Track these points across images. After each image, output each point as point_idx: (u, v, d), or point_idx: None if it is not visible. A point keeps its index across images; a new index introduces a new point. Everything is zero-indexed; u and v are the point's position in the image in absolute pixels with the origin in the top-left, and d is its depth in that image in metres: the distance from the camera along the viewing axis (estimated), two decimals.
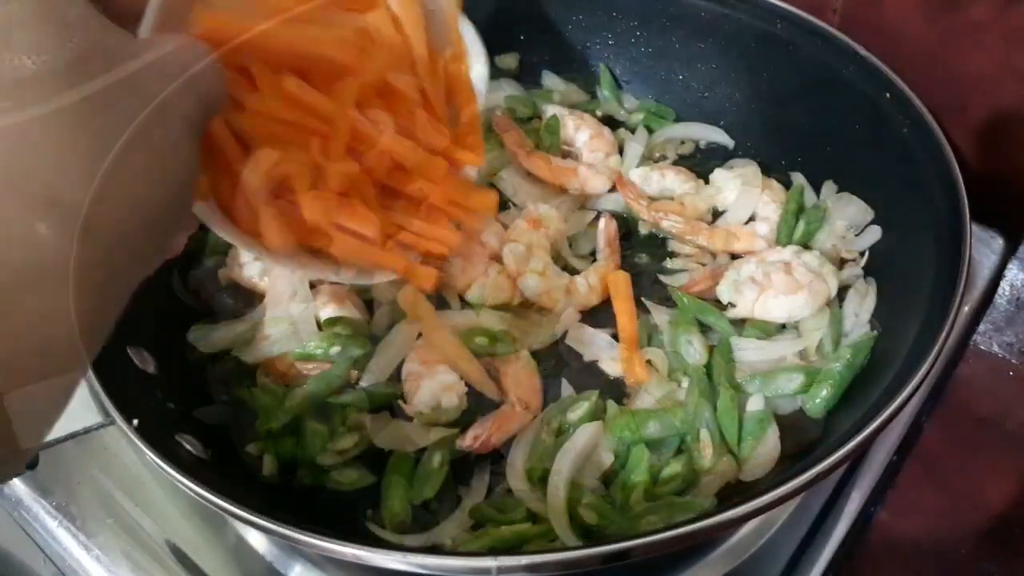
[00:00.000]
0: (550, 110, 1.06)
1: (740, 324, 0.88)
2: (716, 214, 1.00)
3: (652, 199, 0.99)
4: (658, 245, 0.98)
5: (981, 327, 0.90)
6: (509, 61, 1.13)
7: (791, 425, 0.79)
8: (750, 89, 1.03)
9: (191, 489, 0.62)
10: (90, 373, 0.67)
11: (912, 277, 0.80)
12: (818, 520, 0.82)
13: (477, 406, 0.82)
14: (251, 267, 0.89)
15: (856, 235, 0.93)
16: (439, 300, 0.87)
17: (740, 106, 1.05)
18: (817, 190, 0.98)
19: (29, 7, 0.38)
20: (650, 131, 1.07)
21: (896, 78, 0.87)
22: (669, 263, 0.96)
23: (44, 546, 0.84)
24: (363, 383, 0.82)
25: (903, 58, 0.88)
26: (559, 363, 0.87)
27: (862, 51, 0.90)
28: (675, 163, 1.05)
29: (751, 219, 0.97)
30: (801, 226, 0.94)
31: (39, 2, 0.38)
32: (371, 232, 0.57)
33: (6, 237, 0.35)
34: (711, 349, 0.85)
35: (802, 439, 0.79)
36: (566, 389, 0.84)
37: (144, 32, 0.46)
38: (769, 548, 0.81)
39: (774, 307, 0.85)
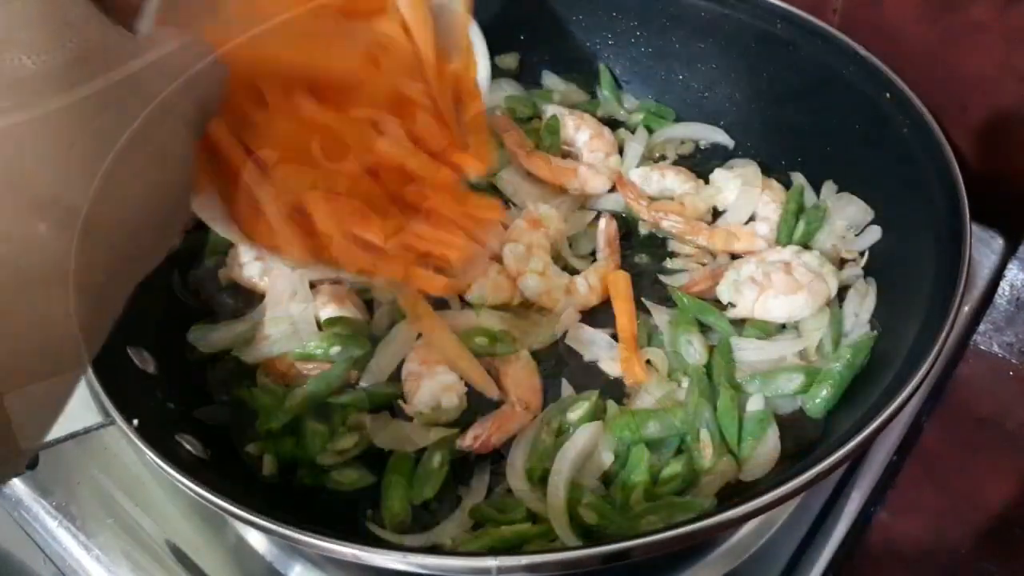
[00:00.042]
0: (550, 110, 1.06)
1: (740, 324, 0.87)
2: (716, 214, 1.00)
3: (652, 199, 0.99)
4: (658, 245, 0.98)
5: (981, 327, 0.90)
6: (509, 61, 1.13)
7: (791, 425, 0.79)
8: (750, 89, 1.03)
9: (191, 489, 0.62)
10: (90, 373, 0.67)
11: (912, 277, 0.80)
12: (818, 520, 0.82)
13: (477, 406, 0.82)
14: (251, 267, 0.89)
15: (856, 235, 0.93)
16: (439, 300, 0.87)
17: (740, 106, 1.05)
18: (817, 190, 0.98)
19: (29, 7, 0.38)
20: (650, 131, 1.07)
21: (896, 78, 0.87)
22: (669, 263, 0.96)
23: (44, 546, 0.84)
24: (363, 383, 0.83)
25: (903, 58, 0.88)
26: (559, 363, 0.87)
27: (862, 51, 0.90)
28: (675, 163, 1.05)
29: (751, 219, 0.97)
30: (801, 226, 0.94)
31: (39, 2, 0.38)
32: (381, 241, 0.57)
33: (6, 237, 0.35)
34: (711, 349, 0.85)
35: (802, 439, 0.79)
36: (566, 389, 0.84)
37: (144, 27, 0.46)
38: (769, 548, 0.81)
39: (774, 307, 0.85)
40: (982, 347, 0.89)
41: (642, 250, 0.97)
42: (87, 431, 0.66)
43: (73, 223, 0.36)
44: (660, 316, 0.88)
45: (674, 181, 1.00)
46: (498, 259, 0.90)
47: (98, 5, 0.41)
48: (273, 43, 0.49)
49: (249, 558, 0.83)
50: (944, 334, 0.69)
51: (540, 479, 0.75)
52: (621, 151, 1.05)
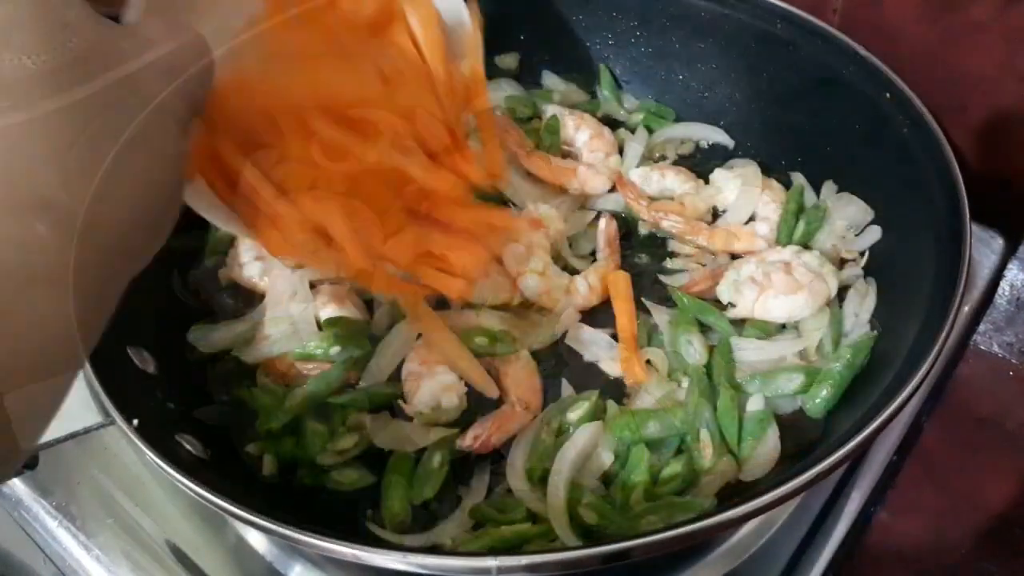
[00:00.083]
0: (550, 110, 1.06)
1: (740, 324, 0.87)
2: (716, 214, 1.00)
3: (652, 199, 0.99)
4: (658, 245, 0.98)
5: (981, 327, 0.90)
6: (509, 61, 1.13)
7: (791, 425, 0.79)
8: (750, 89, 1.03)
9: (191, 489, 0.62)
10: (90, 373, 0.67)
11: (912, 277, 0.80)
12: (818, 520, 0.82)
13: (477, 406, 0.82)
14: (251, 267, 0.89)
15: (856, 235, 0.93)
16: (439, 300, 0.87)
17: (740, 106, 1.05)
18: (817, 190, 0.98)
19: (28, 8, 0.38)
20: (650, 131, 1.07)
21: (896, 78, 0.87)
22: (669, 263, 0.96)
23: (44, 546, 0.84)
24: (363, 383, 0.82)
25: (903, 58, 0.88)
26: (559, 363, 0.87)
27: (862, 51, 0.90)
28: (675, 163, 1.05)
29: (751, 219, 0.97)
30: (801, 226, 0.94)
31: (38, 3, 0.38)
32: (398, 254, 0.58)
33: (5, 237, 0.35)
34: (711, 349, 0.85)
35: (802, 439, 0.78)
36: (566, 389, 0.84)
37: (131, 16, 0.46)
38: (769, 548, 0.81)
39: (774, 307, 0.85)
40: (982, 347, 0.89)
41: (642, 250, 0.97)
42: (87, 431, 0.66)
43: (72, 223, 0.36)
44: (660, 316, 0.88)
45: (674, 181, 1.00)
46: (498, 259, 0.90)
47: (96, 5, 0.41)
48: (284, 72, 0.49)
49: (249, 558, 0.83)
50: (944, 334, 0.69)
51: (540, 479, 0.75)
52: (621, 151, 1.05)
